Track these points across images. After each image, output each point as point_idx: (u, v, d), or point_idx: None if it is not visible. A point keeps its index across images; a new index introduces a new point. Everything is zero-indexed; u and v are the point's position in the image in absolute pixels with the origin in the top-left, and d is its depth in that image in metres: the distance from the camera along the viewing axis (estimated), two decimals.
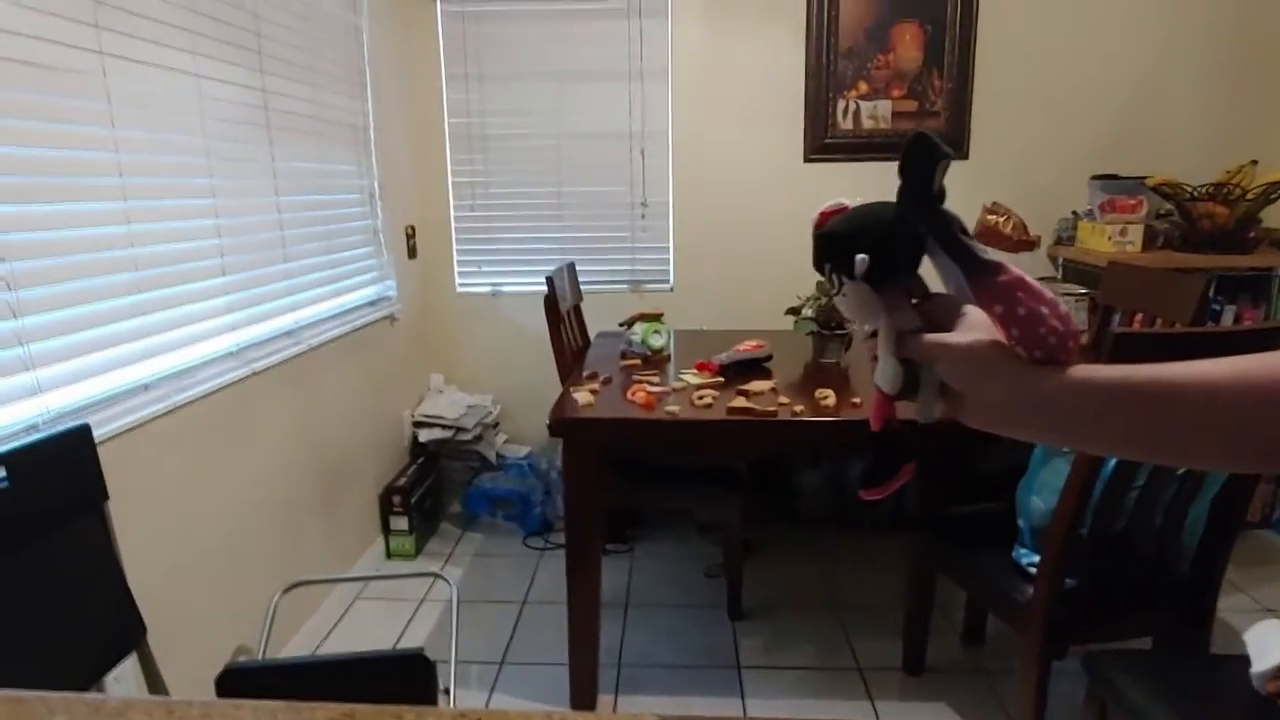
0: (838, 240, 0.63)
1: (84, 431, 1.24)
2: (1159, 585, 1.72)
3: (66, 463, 1.22)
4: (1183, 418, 0.51)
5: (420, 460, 3.03)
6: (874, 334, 0.65)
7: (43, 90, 1.38)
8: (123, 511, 1.32)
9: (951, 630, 2.35)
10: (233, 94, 1.96)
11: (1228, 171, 2.68)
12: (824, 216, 0.66)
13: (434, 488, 3.06)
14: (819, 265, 0.66)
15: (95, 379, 1.51)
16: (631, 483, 2.39)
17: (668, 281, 3.25)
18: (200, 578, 1.80)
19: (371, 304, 2.81)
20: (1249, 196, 2.60)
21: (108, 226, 1.53)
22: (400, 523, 2.81)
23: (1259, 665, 1.29)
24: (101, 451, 1.27)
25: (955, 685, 2.10)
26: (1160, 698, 1.33)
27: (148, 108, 1.65)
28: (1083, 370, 0.54)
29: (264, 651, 1.61)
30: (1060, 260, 3.04)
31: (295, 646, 2.21)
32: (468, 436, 3.04)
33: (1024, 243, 2.30)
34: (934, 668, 2.16)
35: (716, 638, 2.33)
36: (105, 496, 1.27)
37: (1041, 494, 1.69)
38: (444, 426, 3.02)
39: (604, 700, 2.06)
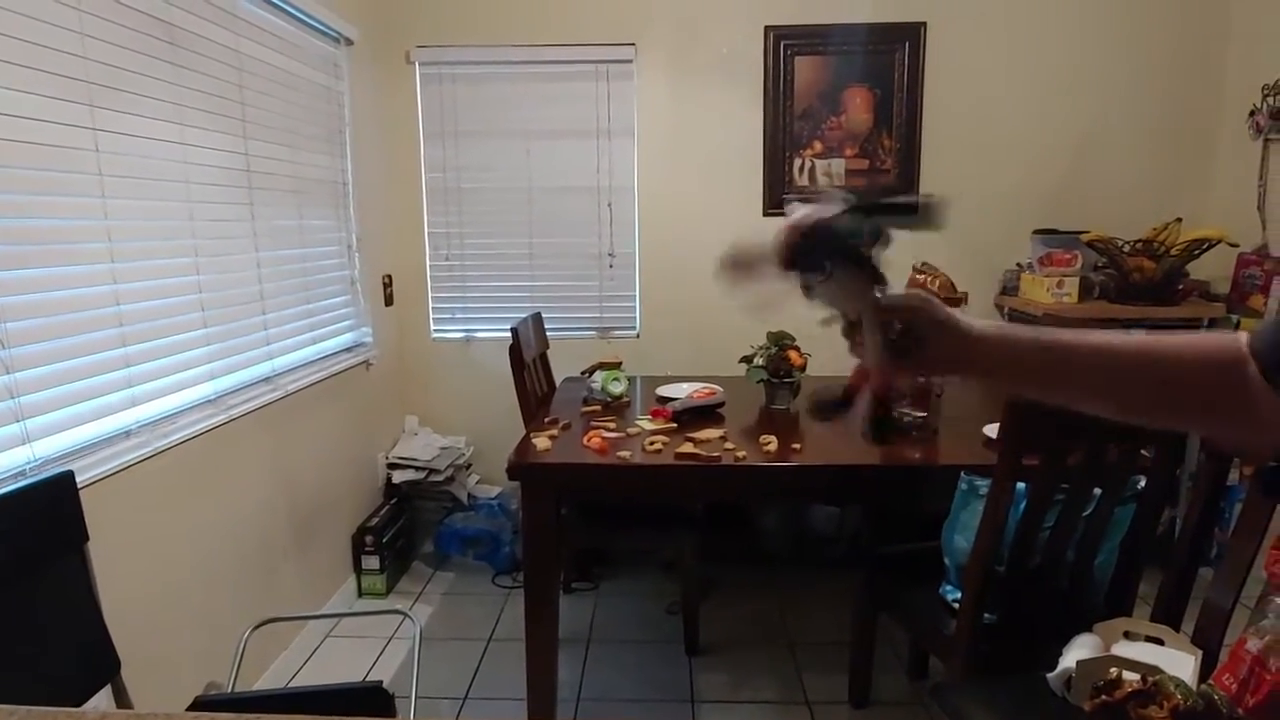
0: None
1: (67, 478, 1.35)
2: (1075, 618, 1.83)
3: (50, 507, 1.33)
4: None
5: (393, 501, 3.13)
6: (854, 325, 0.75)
7: (40, 166, 1.52)
8: (103, 552, 1.42)
9: (899, 664, 2.45)
10: (217, 159, 2.10)
11: (1154, 229, 2.86)
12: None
13: (406, 528, 3.15)
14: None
15: (80, 427, 1.62)
16: (594, 523, 2.50)
17: (634, 328, 3.39)
18: (175, 615, 1.89)
19: (348, 350, 2.94)
20: (1173, 252, 2.78)
21: (95, 286, 1.66)
22: (372, 562, 2.90)
23: (1053, 671, 1.48)
24: (84, 495, 1.38)
25: (897, 717, 2.20)
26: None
27: (136, 176, 1.78)
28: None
29: (233, 686, 1.70)
30: (1006, 310, 3.21)
31: (266, 682, 2.29)
32: (440, 478, 3.14)
33: (951, 300, 2.45)
34: (879, 700, 2.26)
35: (673, 673, 2.43)
36: (86, 538, 1.37)
37: (964, 534, 1.81)
38: (417, 468, 3.12)
39: None
